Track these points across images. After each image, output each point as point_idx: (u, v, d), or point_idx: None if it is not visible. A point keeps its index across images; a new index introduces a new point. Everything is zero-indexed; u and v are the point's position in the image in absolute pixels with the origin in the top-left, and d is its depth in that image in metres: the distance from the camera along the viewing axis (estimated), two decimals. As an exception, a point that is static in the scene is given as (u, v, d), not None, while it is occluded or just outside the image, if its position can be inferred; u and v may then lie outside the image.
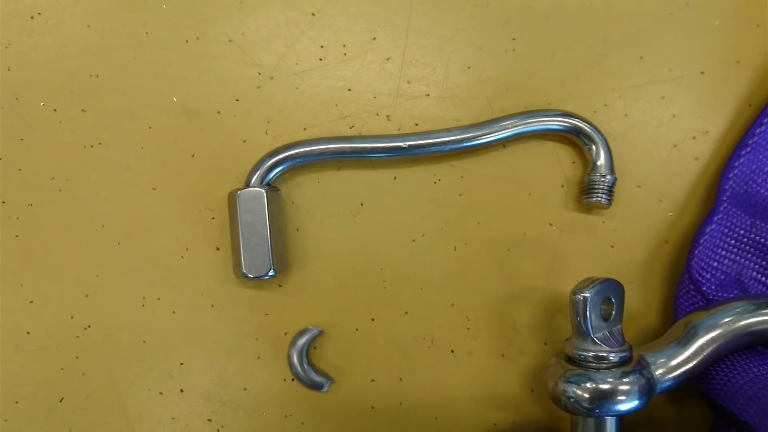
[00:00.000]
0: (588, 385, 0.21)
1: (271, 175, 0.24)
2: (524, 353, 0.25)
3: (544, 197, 0.25)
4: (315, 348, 0.25)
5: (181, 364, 0.24)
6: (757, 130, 0.25)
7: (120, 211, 0.25)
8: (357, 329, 0.25)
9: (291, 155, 0.24)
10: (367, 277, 0.25)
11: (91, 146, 0.25)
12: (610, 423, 0.22)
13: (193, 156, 0.25)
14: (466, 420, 0.25)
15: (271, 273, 0.23)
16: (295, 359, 0.24)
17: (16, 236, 0.24)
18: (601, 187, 0.24)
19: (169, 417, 0.24)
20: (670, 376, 0.22)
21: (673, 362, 0.22)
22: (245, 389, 0.24)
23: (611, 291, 0.22)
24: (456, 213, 0.25)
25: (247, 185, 0.23)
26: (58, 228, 0.25)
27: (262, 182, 0.24)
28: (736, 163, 0.25)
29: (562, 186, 0.25)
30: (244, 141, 0.25)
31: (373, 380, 0.25)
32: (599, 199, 0.24)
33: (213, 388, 0.24)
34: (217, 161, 0.25)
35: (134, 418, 0.24)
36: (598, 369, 0.21)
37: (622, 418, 0.22)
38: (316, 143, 0.24)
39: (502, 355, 0.25)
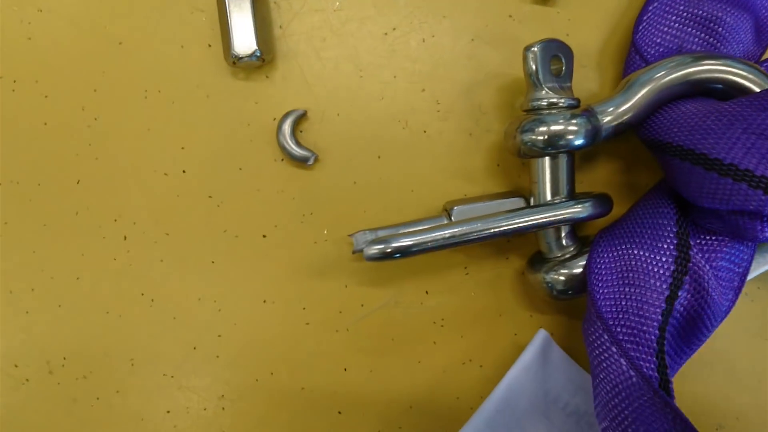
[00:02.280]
0: (542, 128, 0.24)
1: (254, -29, 0.26)
2: (490, 131, 0.28)
3: (504, -8, 0.28)
4: (301, 132, 0.27)
5: (182, 148, 0.27)
6: None
7: (119, 12, 0.27)
8: (338, 114, 0.27)
9: (270, -48, 0.26)
10: (344, 68, 0.28)
11: (91, -43, 0.27)
12: (563, 159, 0.24)
13: (182, -37, 0.27)
14: (439, 191, 0.28)
15: (257, 53, 0.26)
16: (282, 136, 0.27)
17: (29, 38, 0.27)
18: (553, -29, 0.27)
19: (175, 195, 0.27)
20: (615, 122, 0.25)
21: (617, 110, 0.24)
22: (241, 169, 0.27)
23: (559, 49, 0.25)
24: (423, 9, 0.28)
25: (232, -23, 0.26)
26: (64, 30, 0.27)
27: (245, -24, 0.26)
28: (645, 17, 0.27)
29: (520, -19, 0.28)
30: (229, -52, 0.27)
31: (354, 158, 0.27)
32: (552, -18, 0.27)
33: (211, 169, 0.27)
34: (205, -33, 0.27)
35: (142, 196, 0.27)
36: (550, 113, 0.24)
37: (573, 155, 0.25)
38: (293, -58, 0.26)
39: (470, 134, 0.28)
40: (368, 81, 0.28)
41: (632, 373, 0.21)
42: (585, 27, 0.28)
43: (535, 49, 0.24)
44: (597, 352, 0.23)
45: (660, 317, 0.23)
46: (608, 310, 0.23)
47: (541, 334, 0.25)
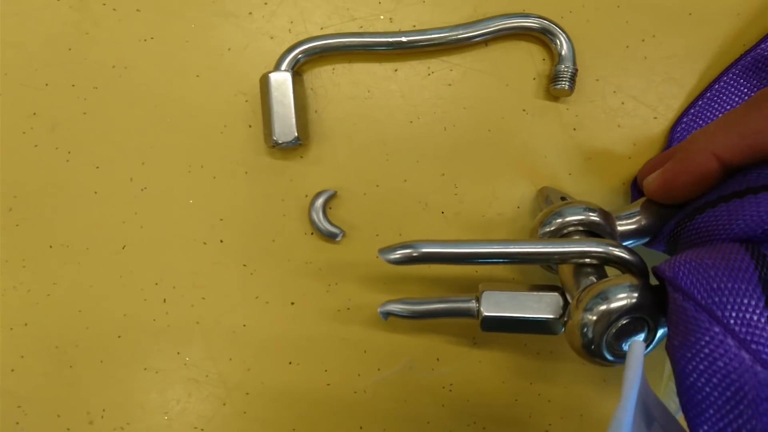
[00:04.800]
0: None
1: (295, 63, 0.29)
2: (501, 215, 0.30)
3: (519, 88, 0.31)
4: (330, 208, 0.30)
5: (221, 219, 0.30)
6: (702, 100, 0.30)
7: (169, 93, 0.30)
8: (365, 193, 0.30)
9: (312, 47, 0.29)
10: (373, 151, 0.30)
11: (145, 40, 0.30)
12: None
13: (229, 49, 0.30)
14: (453, 268, 0.30)
15: (296, 140, 0.28)
16: (314, 213, 0.29)
17: (84, 113, 0.30)
18: (565, 75, 0.29)
19: (212, 263, 0.30)
20: None
21: None
22: (273, 241, 0.30)
23: None
24: (446, 100, 0.30)
25: (276, 69, 0.28)
26: (118, 107, 0.30)
27: (288, 68, 0.29)
28: (684, 119, 0.30)
29: (534, 79, 0.31)
30: (271, 37, 0.30)
31: (377, 235, 0.30)
32: (563, 85, 0.29)
33: (247, 240, 0.30)
34: (249, 54, 0.30)
35: (181, 262, 0.30)
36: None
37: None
38: (331, 37, 0.29)
39: (483, 216, 0.30)
40: (393, 164, 0.30)
41: (759, 368, 0.17)
42: (590, 123, 0.31)
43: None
44: (704, 352, 0.18)
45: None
46: (707, 296, 0.19)
47: (639, 347, 0.20)
